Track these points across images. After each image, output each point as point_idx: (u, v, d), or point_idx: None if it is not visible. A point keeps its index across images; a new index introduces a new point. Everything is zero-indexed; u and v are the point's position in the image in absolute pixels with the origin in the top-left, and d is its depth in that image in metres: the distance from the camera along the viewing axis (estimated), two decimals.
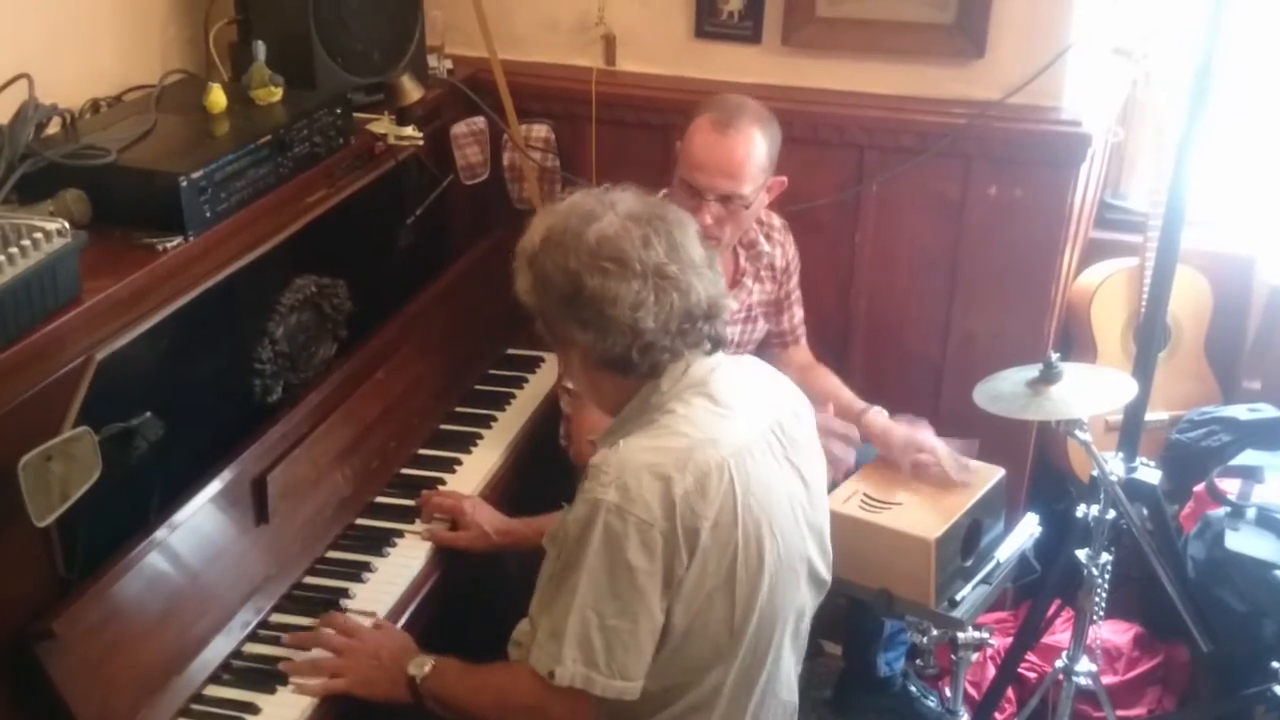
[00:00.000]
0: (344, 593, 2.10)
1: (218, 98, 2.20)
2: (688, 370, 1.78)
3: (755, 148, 2.38)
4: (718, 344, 1.83)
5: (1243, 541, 2.51)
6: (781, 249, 2.68)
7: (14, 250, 1.61)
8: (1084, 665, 2.51)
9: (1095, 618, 2.48)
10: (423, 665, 1.88)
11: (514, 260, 1.82)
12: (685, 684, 1.77)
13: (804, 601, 1.89)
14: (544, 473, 2.59)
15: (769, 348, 2.80)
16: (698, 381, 1.77)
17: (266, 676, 1.91)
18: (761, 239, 2.62)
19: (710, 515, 1.68)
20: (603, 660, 1.67)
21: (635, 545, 1.64)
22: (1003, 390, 2.28)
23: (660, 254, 1.72)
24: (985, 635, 2.43)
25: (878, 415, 2.57)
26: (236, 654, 1.96)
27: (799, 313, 2.79)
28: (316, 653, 1.96)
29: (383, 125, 2.51)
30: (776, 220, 2.69)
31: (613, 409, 1.86)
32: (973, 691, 2.81)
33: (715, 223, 2.41)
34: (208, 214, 1.97)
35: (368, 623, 2.02)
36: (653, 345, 1.73)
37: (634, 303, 1.70)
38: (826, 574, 1.93)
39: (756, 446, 1.77)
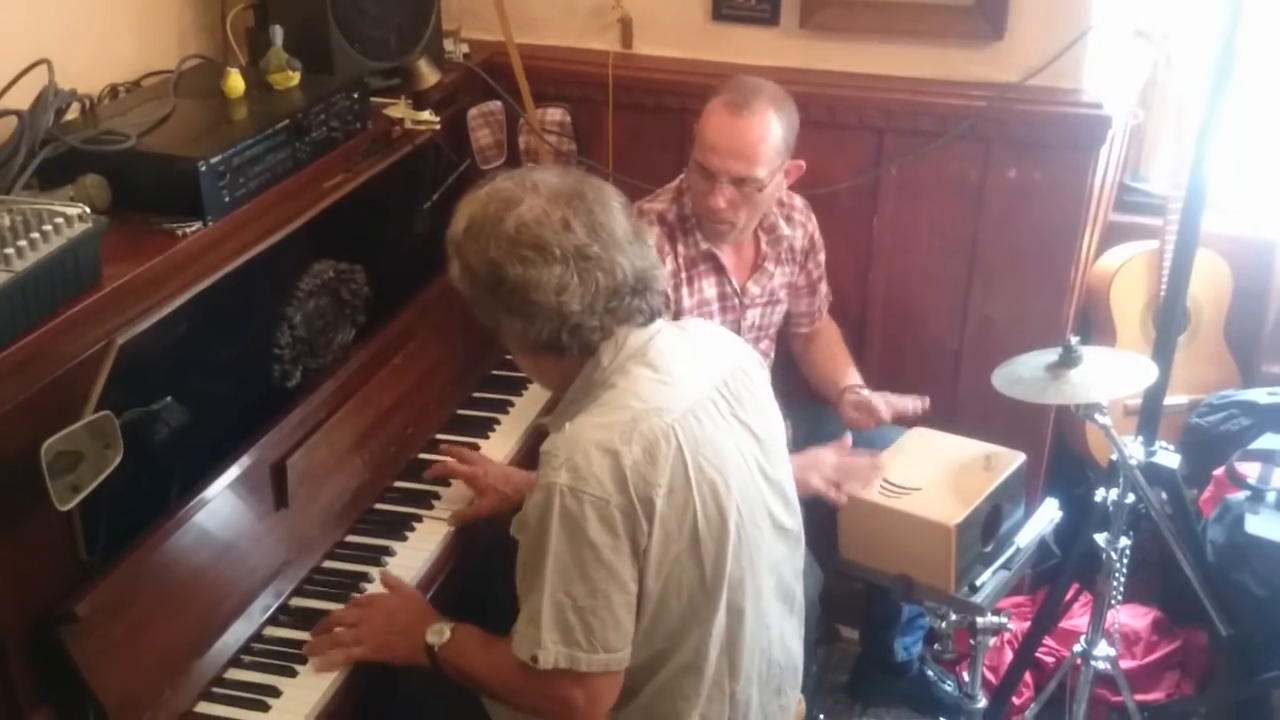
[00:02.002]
0: (364, 576, 2.11)
1: (236, 83, 2.20)
2: (626, 342, 1.78)
3: (770, 130, 2.35)
4: (653, 315, 1.82)
5: (1262, 525, 2.51)
6: (803, 229, 2.67)
7: (35, 235, 1.61)
8: (1102, 649, 2.51)
9: (1114, 602, 2.47)
10: (441, 633, 1.88)
11: (446, 248, 1.82)
12: (670, 648, 1.78)
13: (777, 555, 1.89)
14: None
15: (793, 327, 2.79)
16: (637, 352, 1.78)
17: (287, 659, 1.92)
18: (781, 222, 2.61)
19: (663, 482, 1.68)
20: (582, 638, 1.68)
21: (594, 523, 1.65)
22: (1021, 374, 2.28)
23: (581, 235, 1.72)
24: (1004, 620, 2.43)
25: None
26: (257, 637, 1.97)
27: (824, 289, 2.78)
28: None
29: (400, 110, 2.51)
30: (798, 201, 2.67)
31: (559, 389, 1.87)
32: (990, 676, 2.81)
33: (729, 206, 2.39)
34: (226, 199, 1.97)
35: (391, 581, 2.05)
36: (581, 326, 1.74)
37: (557, 287, 1.71)
38: (792, 525, 1.93)
39: (702, 408, 1.78)
